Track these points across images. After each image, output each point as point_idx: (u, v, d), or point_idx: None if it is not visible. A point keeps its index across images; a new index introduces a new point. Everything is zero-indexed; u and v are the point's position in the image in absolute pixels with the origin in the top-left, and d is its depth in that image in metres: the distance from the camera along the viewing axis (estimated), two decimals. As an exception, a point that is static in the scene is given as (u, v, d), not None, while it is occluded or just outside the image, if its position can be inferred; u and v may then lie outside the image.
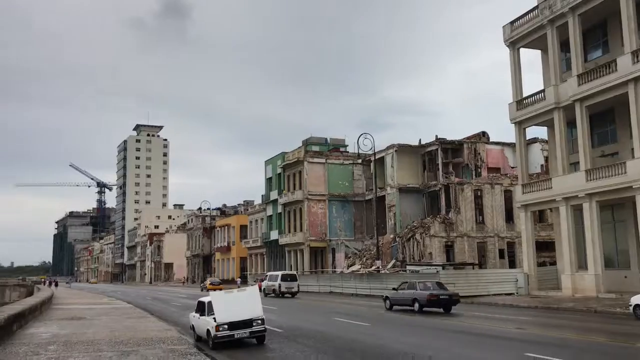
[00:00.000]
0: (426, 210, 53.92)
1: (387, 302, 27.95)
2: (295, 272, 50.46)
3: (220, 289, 64.40)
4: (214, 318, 15.01)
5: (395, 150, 54.90)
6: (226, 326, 14.82)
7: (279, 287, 42.83)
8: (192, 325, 17.26)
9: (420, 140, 56.74)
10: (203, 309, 16.18)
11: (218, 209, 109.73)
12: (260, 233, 75.61)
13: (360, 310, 28.01)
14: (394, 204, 54.76)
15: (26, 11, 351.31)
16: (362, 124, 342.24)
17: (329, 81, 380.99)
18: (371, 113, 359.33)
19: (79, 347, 14.13)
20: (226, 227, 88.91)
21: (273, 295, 42.97)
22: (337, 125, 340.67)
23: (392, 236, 52.32)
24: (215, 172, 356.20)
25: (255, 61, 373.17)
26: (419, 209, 54.49)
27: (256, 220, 78.57)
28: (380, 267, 45.27)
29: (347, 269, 52.59)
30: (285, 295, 42.57)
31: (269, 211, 72.64)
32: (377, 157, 52.06)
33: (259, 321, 15.31)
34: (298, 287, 43.70)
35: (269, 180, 73.03)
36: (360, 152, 48.37)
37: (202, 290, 61.38)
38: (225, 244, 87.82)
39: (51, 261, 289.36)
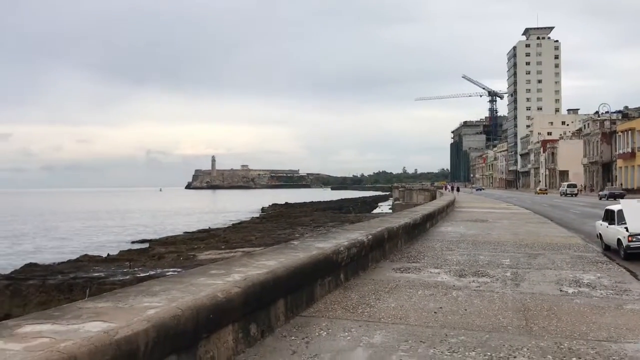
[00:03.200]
0: None
1: None
2: (575, 183, 77.17)
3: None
4: (626, 228, 13.99)
5: None
6: (640, 236, 13.81)
7: (565, 191, 69.50)
8: (599, 234, 16.49)
9: None
10: (612, 217, 15.29)
11: (619, 111, 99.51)
12: (673, 137, 65.75)
13: None
14: None
15: None
16: None
17: None
18: None
19: (486, 247, 15.01)
20: (629, 131, 79.95)
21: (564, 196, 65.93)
22: None
23: None
24: (614, 72, 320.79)
25: None
26: None
27: (668, 123, 68.41)
28: None
29: None
30: (567, 195, 67.90)
31: (686, 111, 62.25)
32: None
33: (682, 234, 13.73)
34: (578, 191, 69.87)
35: (685, 75, 62.21)
36: None
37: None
38: (629, 150, 79.31)
39: (449, 168, 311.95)
